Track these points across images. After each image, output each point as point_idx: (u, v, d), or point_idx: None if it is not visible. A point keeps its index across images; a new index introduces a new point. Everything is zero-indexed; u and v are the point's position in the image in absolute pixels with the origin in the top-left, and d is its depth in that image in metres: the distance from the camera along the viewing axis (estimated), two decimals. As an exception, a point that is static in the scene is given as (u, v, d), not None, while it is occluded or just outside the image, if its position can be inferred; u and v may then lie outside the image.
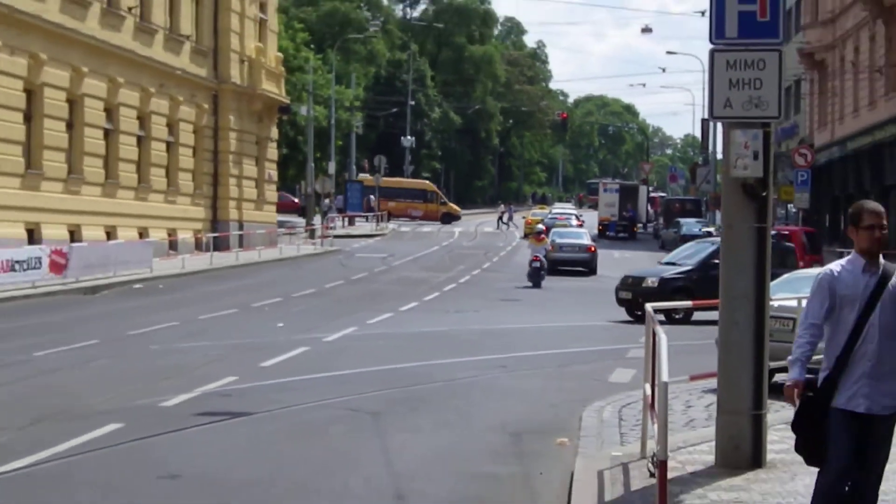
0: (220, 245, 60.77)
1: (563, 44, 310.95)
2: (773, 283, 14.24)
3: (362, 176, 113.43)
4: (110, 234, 52.05)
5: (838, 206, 65.97)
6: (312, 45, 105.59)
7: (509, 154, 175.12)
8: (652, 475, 11.20)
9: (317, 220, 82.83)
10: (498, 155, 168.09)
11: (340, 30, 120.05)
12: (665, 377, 10.06)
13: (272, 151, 74.28)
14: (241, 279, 47.66)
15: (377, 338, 28.30)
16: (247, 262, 57.76)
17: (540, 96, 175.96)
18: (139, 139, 56.74)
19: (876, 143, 53.94)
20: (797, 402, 8.49)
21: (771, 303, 13.46)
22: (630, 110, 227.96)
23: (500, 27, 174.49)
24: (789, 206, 59.93)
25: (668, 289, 33.77)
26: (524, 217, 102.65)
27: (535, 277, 47.53)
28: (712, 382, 14.27)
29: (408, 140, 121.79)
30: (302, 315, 33.58)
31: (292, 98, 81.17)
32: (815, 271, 24.26)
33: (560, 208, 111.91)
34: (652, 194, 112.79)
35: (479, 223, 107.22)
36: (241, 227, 65.71)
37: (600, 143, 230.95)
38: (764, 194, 12.73)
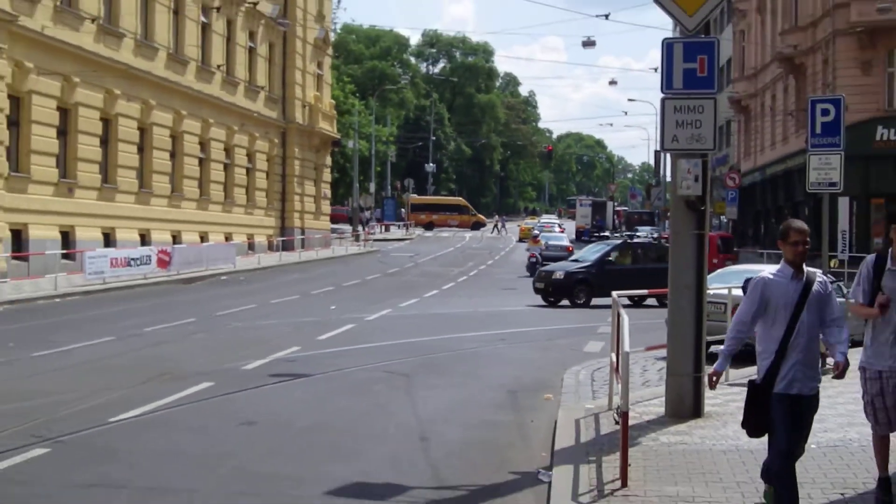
0: (286, 246, 60.85)
1: (550, 93, 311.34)
2: (709, 276, 14.21)
3: (411, 196, 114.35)
4: (203, 237, 52.14)
5: (759, 218, 65.82)
6: (357, 94, 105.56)
7: (508, 177, 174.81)
8: (617, 423, 11.18)
9: (360, 227, 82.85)
10: (499, 178, 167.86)
11: (379, 82, 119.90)
12: (627, 348, 10.04)
13: (326, 175, 74.35)
14: (303, 272, 47.64)
15: (406, 318, 28.27)
16: (307, 259, 57.75)
17: (531, 133, 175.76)
18: (225, 166, 56.85)
19: (788, 169, 53.84)
20: (714, 387, 8.66)
21: (707, 291, 13.42)
22: (600, 144, 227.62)
23: (500, 80, 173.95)
24: (722, 217, 59.75)
25: (571, 280, 33.58)
26: (519, 225, 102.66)
27: (532, 269, 47.74)
28: (663, 352, 14.24)
29: (430, 166, 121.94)
30: (349, 300, 33.53)
31: (342, 134, 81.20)
32: (740, 268, 24.28)
33: (546, 219, 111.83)
34: (617, 208, 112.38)
35: (483, 230, 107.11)
36: (302, 233, 65.79)
37: (577, 169, 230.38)
38: (702, 208, 12.72)
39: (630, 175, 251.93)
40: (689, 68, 12.54)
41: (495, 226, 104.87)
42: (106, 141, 43.98)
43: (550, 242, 60.54)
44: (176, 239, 48.75)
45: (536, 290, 34.02)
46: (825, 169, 18.26)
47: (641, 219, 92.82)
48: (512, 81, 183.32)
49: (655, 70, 58.98)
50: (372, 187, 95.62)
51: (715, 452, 10.72)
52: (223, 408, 13.99)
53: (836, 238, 36.48)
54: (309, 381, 16.54)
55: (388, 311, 29.54)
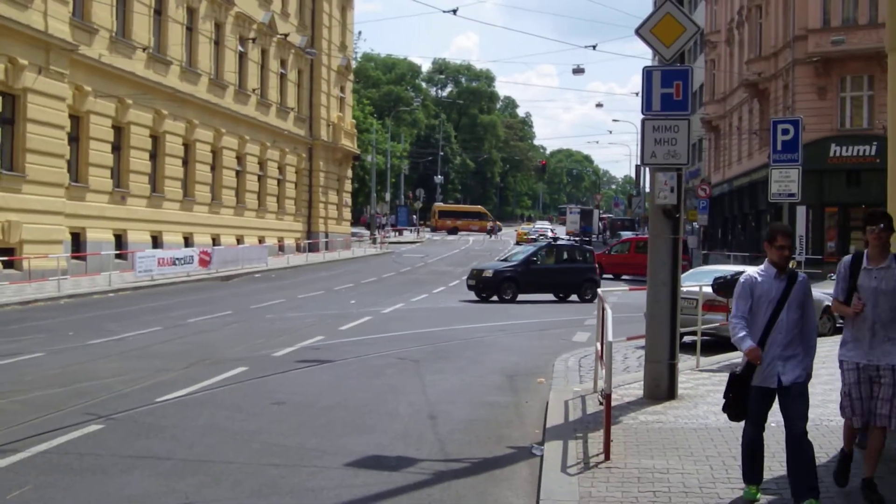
0: (312, 248, 60.90)
1: (543, 114, 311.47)
2: (683, 275, 14.18)
3: (437, 204, 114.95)
4: (239, 240, 52.19)
5: (727, 224, 65.79)
6: (375, 115, 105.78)
7: (507, 188, 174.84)
8: (601, 404, 11.16)
9: (377, 231, 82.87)
10: (499, 188, 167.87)
11: (394, 104, 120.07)
12: (610, 338, 10.03)
13: (348, 185, 74.37)
14: (327, 271, 47.65)
15: (417, 311, 28.25)
16: (330, 259, 57.78)
17: (527, 149, 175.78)
18: (259, 177, 56.91)
19: (752, 181, 53.80)
20: (760, 361, 7.91)
21: (681, 288, 13.41)
22: (588, 159, 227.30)
23: (500, 103, 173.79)
24: (694, 224, 59.53)
25: (499, 278, 32.96)
26: (516, 230, 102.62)
27: None
28: (642, 342, 14.21)
29: (438, 178, 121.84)
30: (367, 295, 33.53)
31: (361, 150, 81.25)
32: (710, 268, 24.22)
33: (540, 224, 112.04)
34: (602, 216, 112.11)
35: (430, 236, 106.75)
36: (326, 236, 65.78)
37: (567, 181, 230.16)
38: (677, 216, 12.70)
39: (614, 186, 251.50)
40: (667, 93, 12.54)
41: (490, 230, 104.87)
42: (155, 155, 44.11)
43: None
44: (215, 241, 48.84)
45: (469, 287, 33.38)
46: (785, 181, 18.25)
47: (623, 224, 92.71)
48: (511, 104, 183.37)
49: (637, 94, 59.13)
50: (387, 196, 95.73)
51: (687, 430, 10.70)
52: (256, 389, 13.98)
53: (794, 242, 36.57)
54: (331, 366, 16.53)
55: (401, 305, 29.53)
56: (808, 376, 7.99)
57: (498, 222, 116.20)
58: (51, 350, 17.89)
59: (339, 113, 70.45)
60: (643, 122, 12.65)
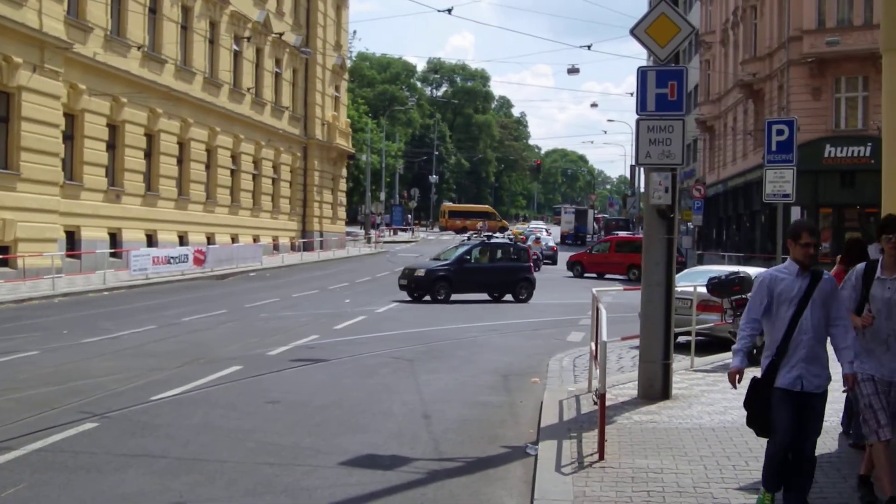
0: (307, 247, 60.84)
1: (538, 114, 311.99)
2: (678, 275, 14.21)
3: (446, 204, 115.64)
4: (234, 239, 52.16)
5: (722, 224, 65.86)
6: (370, 114, 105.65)
7: (501, 188, 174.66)
8: (595, 403, 11.18)
9: (372, 231, 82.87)
10: (493, 188, 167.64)
11: (389, 104, 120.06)
12: (605, 338, 10.05)
13: (342, 185, 74.31)
14: (321, 270, 47.65)
15: (411, 310, 28.27)
16: (325, 258, 57.75)
17: (522, 149, 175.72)
18: (254, 176, 56.87)
19: (747, 181, 53.86)
20: (737, 385, 7.66)
21: (676, 288, 13.43)
22: (583, 159, 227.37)
23: (495, 103, 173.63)
24: (689, 224, 59.68)
25: (432, 277, 31.94)
26: (511, 230, 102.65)
27: (535, 266, 48.78)
28: (636, 342, 14.23)
29: (433, 178, 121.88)
30: (362, 294, 33.56)
31: (356, 149, 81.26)
32: (705, 268, 24.23)
33: (535, 224, 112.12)
34: (596, 215, 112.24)
35: (438, 235, 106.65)
36: (321, 235, 65.77)
37: (562, 181, 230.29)
38: (672, 216, 12.73)
39: (609, 186, 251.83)
40: (661, 93, 12.57)
41: (478, 230, 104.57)
42: (149, 154, 44.08)
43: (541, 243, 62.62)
44: (210, 240, 48.81)
45: (401, 287, 32.46)
46: (780, 182, 18.24)
47: (618, 224, 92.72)
48: (505, 104, 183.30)
49: (632, 94, 59.27)
50: (382, 196, 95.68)
51: (681, 430, 10.72)
52: (251, 388, 13.98)
53: (819, 239, 36.63)
54: (326, 366, 16.53)
55: (394, 305, 29.54)
56: (855, 377, 7.64)
57: (504, 221, 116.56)
58: (45, 348, 17.88)
59: (334, 112, 70.41)
60: (638, 122, 12.67)
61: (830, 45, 44.51)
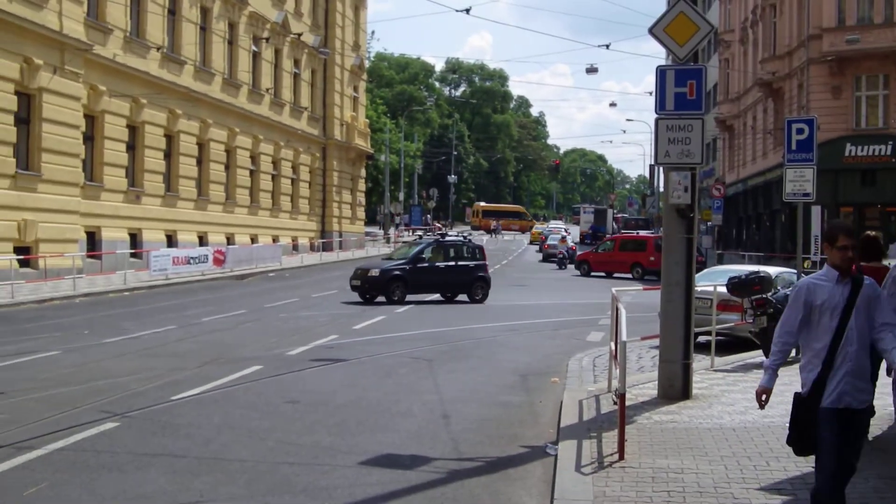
0: (326, 247, 61.04)
1: (557, 114, 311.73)
2: (697, 274, 14.17)
3: (479, 204, 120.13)
4: (253, 239, 52.28)
5: (741, 224, 65.63)
6: (388, 114, 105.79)
7: (520, 187, 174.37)
8: (615, 403, 11.16)
9: (391, 230, 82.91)
10: (512, 188, 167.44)
11: (407, 104, 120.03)
12: (624, 337, 10.04)
13: (361, 185, 74.37)
14: (341, 270, 47.58)
15: (430, 310, 28.28)
16: (344, 258, 57.74)
17: (541, 149, 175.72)
18: (273, 177, 57.01)
19: (767, 180, 53.67)
20: (764, 406, 6.99)
21: (696, 288, 13.39)
22: (602, 159, 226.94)
23: (514, 102, 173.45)
24: (708, 223, 59.46)
25: (386, 277, 30.58)
26: (530, 230, 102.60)
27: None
28: (656, 342, 14.19)
29: (452, 178, 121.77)
30: (381, 294, 33.62)
31: (375, 149, 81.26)
32: (725, 268, 24.15)
33: (554, 224, 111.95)
34: (616, 215, 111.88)
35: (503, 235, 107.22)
36: (340, 235, 65.87)
37: (581, 181, 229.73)
38: (691, 215, 12.69)
39: (628, 186, 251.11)
40: (680, 92, 12.54)
41: (492, 230, 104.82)
42: (169, 154, 44.25)
43: (554, 243, 63.79)
44: (230, 240, 48.94)
45: (353, 288, 31.13)
46: (800, 181, 18.17)
47: (637, 224, 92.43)
48: (524, 103, 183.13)
49: (650, 94, 59.19)
50: (401, 196, 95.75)
51: (701, 430, 10.69)
52: (271, 388, 14.01)
53: (809, 242, 36.52)
54: (345, 365, 16.56)
55: (414, 305, 29.56)
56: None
57: (534, 221, 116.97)
58: (66, 348, 17.97)
59: (353, 112, 70.52)
60: (657, 121, 12.63)
61: (850, 44, 44.28)
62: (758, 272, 17.51)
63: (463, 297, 32.66)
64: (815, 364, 6.81)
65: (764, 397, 6.97)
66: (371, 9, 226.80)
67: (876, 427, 10.05)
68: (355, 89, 72.13)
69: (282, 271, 45.28)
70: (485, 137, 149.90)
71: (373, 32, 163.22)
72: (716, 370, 15.53)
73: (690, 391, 12.75)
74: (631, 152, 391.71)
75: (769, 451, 9.58)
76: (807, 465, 8.95)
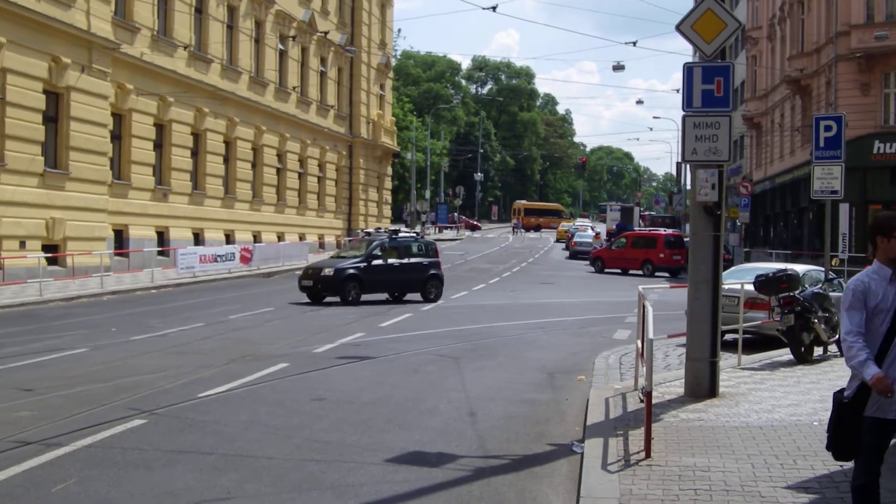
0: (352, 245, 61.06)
1: (584, 111, 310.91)
2: (724, 272, 14.11)
3: (519, 202, 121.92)
4: (280, 237, 52.46)
5: (769, 222, 65.29)
6: (415, 112, 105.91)
7: (546, 185, 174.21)
8: (641, 401, 11.13)
9: (418, 228, 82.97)
10: (538, 186, 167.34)
11: (434, 102, 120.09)
12: (651, 335, 10.01)
13: (387, 183, 74.52)
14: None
15: (457, 308, 28.28)
16: (370, 256, 57.76)
17: (567, 147, 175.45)
18: (300, 175, 57.16)
19: (795, 178, 53.38)
20: (892, 392, 6.04)
21: (723, 286, 13.34)
22: (628, 156, 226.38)
23: (540, 100, 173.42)
24: (736, 221, 59.20)
25: (341, 277, 28.85)
26: (556, 228, 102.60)
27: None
28: (683, 339, 14.13)
29: (478, 176, 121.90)
30: (407, 292, 33.63)
31: (401, 147, 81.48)
32: (752, 266, 24.03)
33: (580, 222, 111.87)
34: (642, 213, 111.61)
35: (526, 232, 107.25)
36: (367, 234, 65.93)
37: (608, 178, 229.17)
38: (718, 213, 12.64)
39: (654, 184, 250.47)
40: (707, 89, 12.48)
41: (514, 228, 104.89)
42: (196, 153, 44.43)
43: (581, 240, 65.54)
44: (256, 238, 49.13)
45: (303, 289, 29.56)
46: (828, 178, 18.09)
47: (664, 222, 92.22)
48: (550, 101, 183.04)
49: (677, 91, 58.86)
50: (427, 194, 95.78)
51: (728, 428, 10.64)
52: (297, 385, 14.05)
53: (837, 240, 36.32)
54: (371, 363, 16.58)
55: (441, 302, 29.58)
56: None
57: (573, 219, 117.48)
58: (94, 346, 18.08)
59: (379, 110, 70.60)
60: (684, 118, 12.58)
61: (879, 40, 43.97)
62: (785, 270, 17.43)
63: (415, 295, 31.19)
64: None
65: (886, 381, 6.08)
66: (397, 7, 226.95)
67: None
68: (382, 87, 72.23)
69: (308, 269, 45.32)
70: (511, 135, 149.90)
71: (399, 30, 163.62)
72: (743, 368, 15.46)
73: (717, 389, 12.69)
74: (658, 150, 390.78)
75: (796, 450, 9.53)
76: (834, 463, 8.91)
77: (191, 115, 43.27)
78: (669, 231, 55.86)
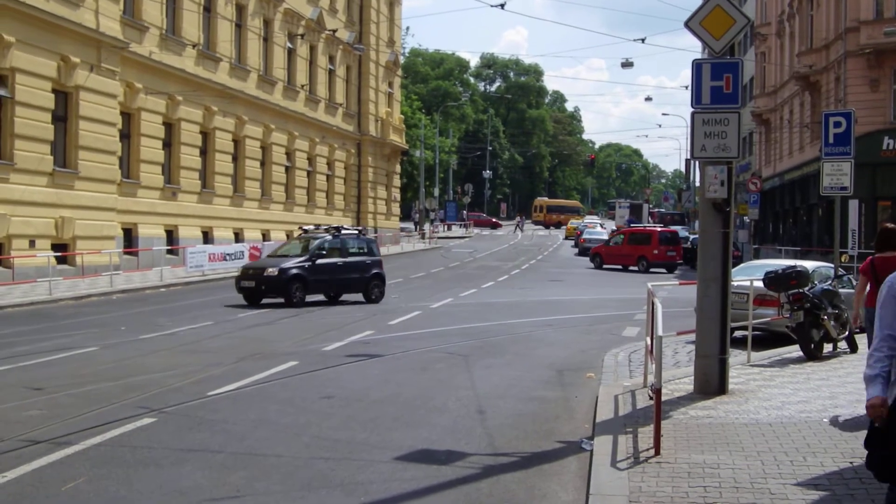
0: (361, 243, 61.07)
1: (592, 108, 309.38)
2: (733, 269, 14.08)
3: (540, 199, 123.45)
4: (289, 235, 52.43)
5: (778, 218, 65.19)
6: (423, 110, 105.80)
7: (555, 182, 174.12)
8: (651, 398, 11.11)
9: (426, 226, 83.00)
10: (547, 183, 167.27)
11: (442, 100, 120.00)
12: (660, 332, 9.99)
13: (396, 181, 74.57)
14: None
15: (466, 305, 28.27)
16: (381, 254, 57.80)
17: (576, 144, 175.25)
18: (308, 173, 57.23)
19: (804, 174, 53.29)
20: (882, 420, 5.60)
21: (732, 282, 13.30)
22: (637, 153, 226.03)
23: (549, 97, 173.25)
24: (745, 218, 59.07)
25: (286, 276, 27.22)
26: (565, 225, 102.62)
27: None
28: (692, 336, 14.13)
29: (487, 173, 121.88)
30: (416, 290, 33.62)
31: (410, 145, 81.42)
32: (762, 262, 23.95)
33: (589, 219, 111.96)
34: (651, 210, 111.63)
35: (534, 230, 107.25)
36: (375, 231, 65.87)
37: (616, 175, 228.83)
38: (727, 210, 12.60)
39: (663, 181, 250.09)
40: (716, 86, 12.46)
41: (516, 225, 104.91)
42: (205, 151, 44.50)
43: (590, 237, 64.75)
44: (265, 236, 49.19)
45: (241, 290, 27.85)
46: (837, 175, 18.05)
47: (673, 219, 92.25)
48: (559, 98, 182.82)
49: (686, 87, 58.73)
50: (436, 192, 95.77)
51: (738, 425, 10.62)
52: (306, 383, 14.06)
53: (846, 236, 36.24)
54: (381, 361, 16.59)
55: (450, 300, 29.56)
56: None
57: (523, 215, 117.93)
58: (104, 344, 18.11)
59: (388, 108, 70.63)
60: (693, 115, 12.55)
61: (888, 36, 43.82)
62: (794, 267, 17.37)
63: (356, 296, 30.19)
64: None
65: (884, 410, 5.60)
66: (406, 4, 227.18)
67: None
68: (390, 85, 72.26)
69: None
70: (520, 133, 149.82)
71: (407, 28, 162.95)
72: (752, 365, 15.42)
73: (727, 386, 12.67)
74: (667, 147, 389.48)
75: (806, 447, 9.51)
76: (844, 460, 8.90)
77: (199, 114, 43.32)
78: (665, 227, 56.06)
